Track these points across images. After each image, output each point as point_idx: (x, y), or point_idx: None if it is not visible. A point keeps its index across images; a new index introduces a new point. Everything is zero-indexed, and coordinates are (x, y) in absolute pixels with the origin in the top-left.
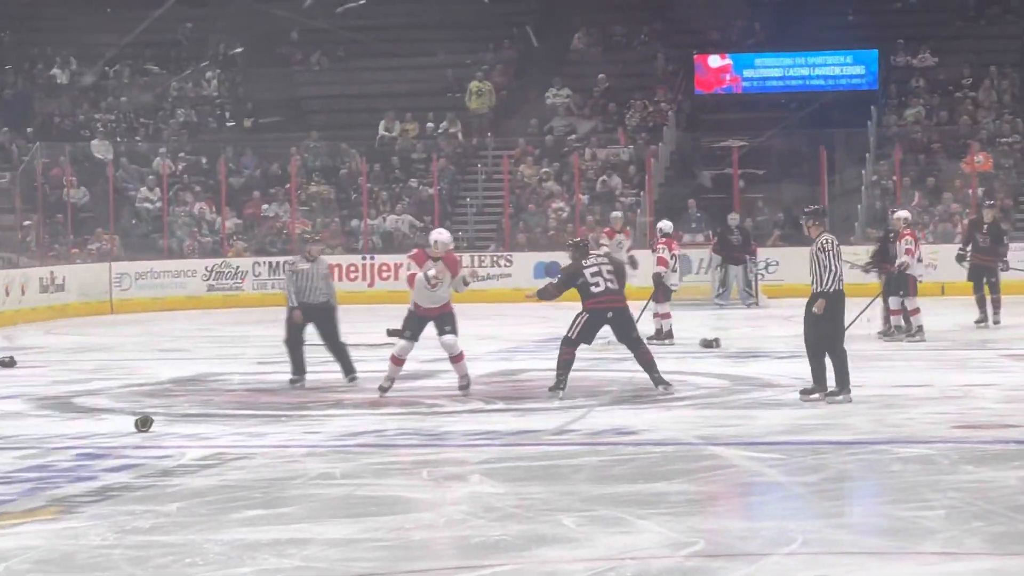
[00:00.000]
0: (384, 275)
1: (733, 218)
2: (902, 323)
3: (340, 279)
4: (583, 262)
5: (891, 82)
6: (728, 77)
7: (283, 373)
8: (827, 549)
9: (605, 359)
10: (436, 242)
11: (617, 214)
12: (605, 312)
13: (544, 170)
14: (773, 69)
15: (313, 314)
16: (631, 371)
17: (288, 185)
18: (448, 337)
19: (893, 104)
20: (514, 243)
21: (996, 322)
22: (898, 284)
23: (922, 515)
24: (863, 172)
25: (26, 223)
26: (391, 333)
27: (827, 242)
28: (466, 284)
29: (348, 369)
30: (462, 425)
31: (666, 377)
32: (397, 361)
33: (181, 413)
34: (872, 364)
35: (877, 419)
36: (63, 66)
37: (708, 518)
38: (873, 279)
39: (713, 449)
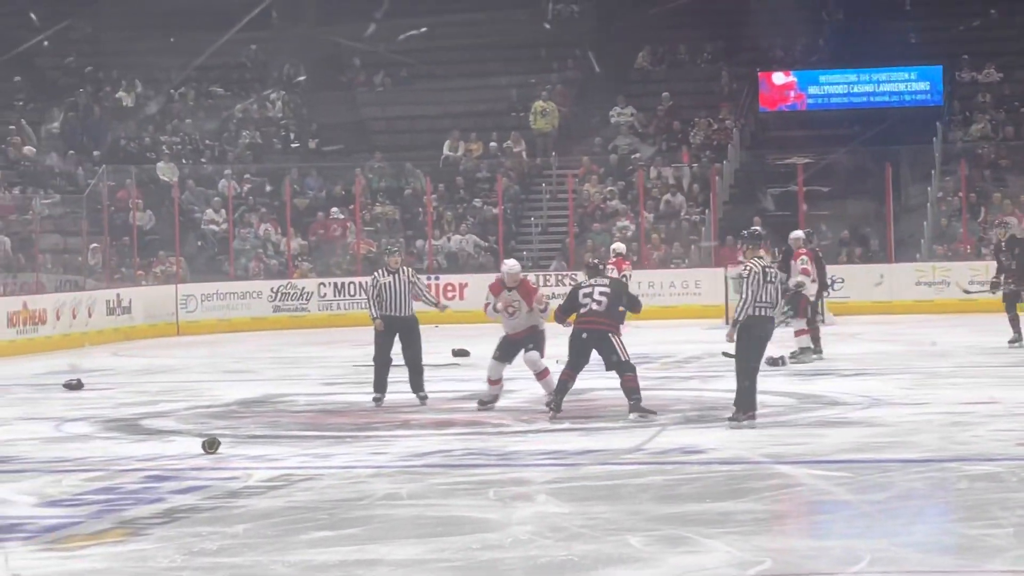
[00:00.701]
0: (449, 295)
1: (798, 236)
2: (810, 344)
3: None
4: (581, 283)
5: (956, 98)
6: (792, 94)
7: (349, 394)
8: (895, 568)
9: (670, 378)
10: (505, 274)
11: (799, 233)
12: (580, 332)
13: (609, 189)
14: (838, 86)
15: (398, 326)
16: (698, 389)
17: (352, 206)
18: (529, 354)
19: (958, 120)
20: (579, 262)
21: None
22: (789, 303)
23: (990, 533)
24: (928, 189)
25: (93, 246)
26: (456, 353)
27: (747, 270)
28: (543, 312)
29: (418, 387)
30: (528, 445)
31: (732, 397)
32: (491, 381)
33: (248, 435)
34: (939, 381)
35: (944, 436)
36: (129, 90)
37: (775, 537)
38: None
39: (780, 468)
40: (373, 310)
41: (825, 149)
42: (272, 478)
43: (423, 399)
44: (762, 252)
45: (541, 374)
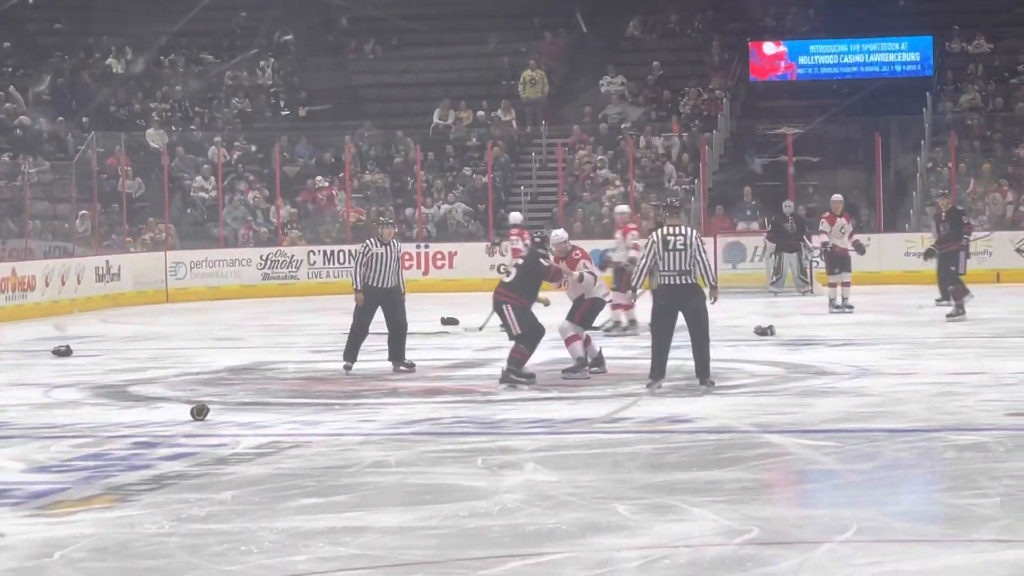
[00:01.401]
0: (439, 263)
1: (788, 206)
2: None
3: None
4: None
5: (946, 68)
6: (783, 64)
7: (338, 362)
8: (881, 537)
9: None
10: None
11: (838, 197)
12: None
13: (600, 158)
14: (828, 56)
15: (383, 298)
16: (686, 359)
17: (342, 174)
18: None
19: (948, 91)
20: (568, 230)
21: (951, 314)
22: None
23: (977, 503)
24: (918, 159)
25: (82, 212)
26: (445, 321)
27: (649, 239)
28: (582, 281)
29: (398, 357)
30: (516, 413)
31: (720, 366)
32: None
33: (236, 402)
34: (927, 351)
35: (932, 406)
36: (118, 56)
37: (762, 506)
38: None
39: (767, 437)
40: (357, 280)
41: (815, 119)
42: (260, 445)
43: (409, 367)
44: (678, 220)
45: (566, 341)
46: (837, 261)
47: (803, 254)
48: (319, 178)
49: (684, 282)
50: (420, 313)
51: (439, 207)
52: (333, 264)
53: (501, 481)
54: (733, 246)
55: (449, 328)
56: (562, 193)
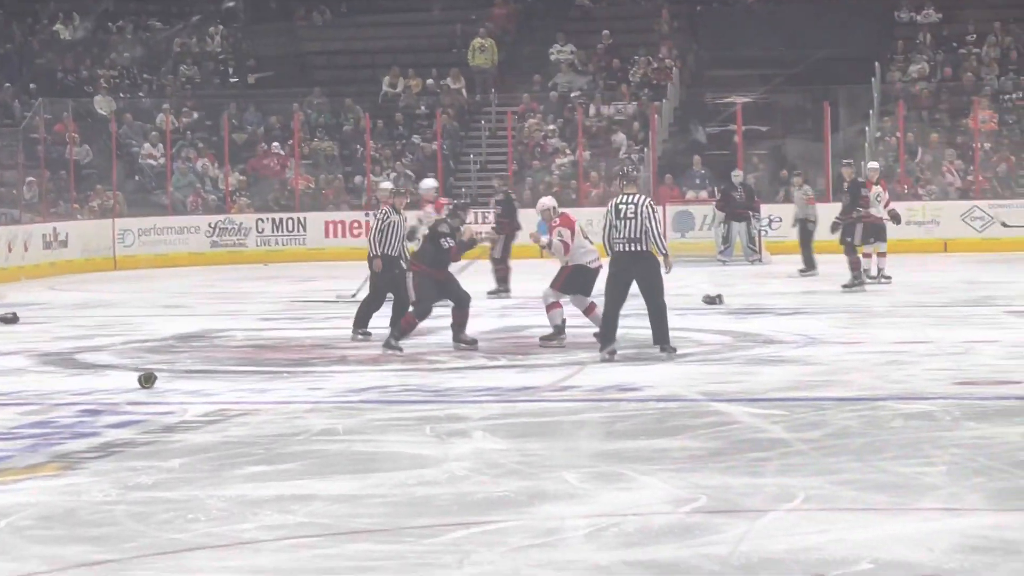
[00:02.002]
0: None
1: (736, 174)
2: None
3: (343, 236)
4: None
5: (895, 38)
6: (732, 33)
7: (286, 329)
8: (829, 505)
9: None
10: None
11: (874, 165)
12: None
13: (550, 127)
14: (778, 25)
15: (394, 267)
16: (634, 327)
17: (291, 141)
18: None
19: (897, 61)
20: (519, 199)
21: (847, 285)
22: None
23: (923, 471)
24: (866, 129)
25: (28, 179)
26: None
27: (610, 206)
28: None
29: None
30: (465, 381)
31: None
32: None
33: (184, 369)
34: (874, 320)
35: (879, 375)
36: (65, 22)
37: (710, 474)
38: None
39: (716, 405)
40: (375, 247)
41: (764, 89)
42: (208, 413)
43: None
44: (634, 189)
45: (547, 307)
46: (872, 231)
47: (751, 223)
48: (275, 144)
49: (635, 249)
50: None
51: (388, 175)
52: (282, 232)
53: (450, 449)
54: (682, 215)
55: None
56: (511, 161)
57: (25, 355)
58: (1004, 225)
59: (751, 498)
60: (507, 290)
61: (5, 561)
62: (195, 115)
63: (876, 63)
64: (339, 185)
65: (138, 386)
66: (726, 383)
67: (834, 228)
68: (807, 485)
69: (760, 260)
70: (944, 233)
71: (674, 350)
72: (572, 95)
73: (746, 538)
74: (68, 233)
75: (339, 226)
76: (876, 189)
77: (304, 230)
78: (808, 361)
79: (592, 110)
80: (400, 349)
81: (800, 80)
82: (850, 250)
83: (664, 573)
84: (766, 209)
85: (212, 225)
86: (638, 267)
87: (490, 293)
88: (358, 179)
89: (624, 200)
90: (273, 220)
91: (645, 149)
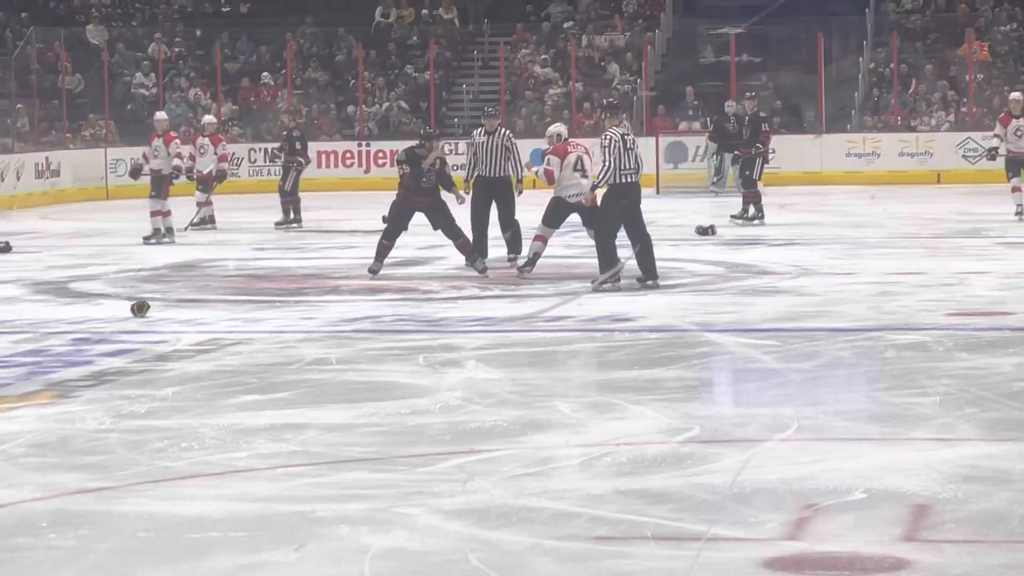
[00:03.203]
0: (380, 162)
1: (729, 106)
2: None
3: (336, 166)
4: None
5: None
6: None
7: (279, 259)
8: (821, 435)
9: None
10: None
11: (1016, 96)
12: None
13: (542, 56)
14: None
15: (493, 188)
16: (627, 257)
17: (284, 71)
18: None
19: None
20: (511, 129)
21: (747, 216)
22: None
23: (916, 402)
24: (860, 60)
25: (18, 106)
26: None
27: (606, 138)
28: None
29: (514, 249)
30: (458, 311)
31: (662, 265)
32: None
33: (177, 298)
34: (868, 251)
35: (872, 306)
36: None
37: (703, 404)
38: None
39: (708, 336)
40: (469, 171)
41: (758, 19)
42: (201, 342)
43: (513, 260)
44: (622, 120)
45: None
46: (1012, 165)
47: None
48: (265, 74)
49: (635, 180)
50: (361, 211)
51: (381, 105)
52: (274, 162)
53: (442, 379)
54: (675, 146)
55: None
56: (504, 92)
57: (18, 284)
58: (991, 157)
59: (744, 428)
60: (298, 221)
61: (0, 488)
62: (188, 45)
63: None
64: (332, 115)
65: (131, 315)
66: (719, 314)
67: (734, 161)
68: (800, 415)
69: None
70: (937, 164)
71: (657, 283)
72: (565, 25)
73: (739, 468)
74: (60, 162)
75: (331, 156)
76: (1016, 123)
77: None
78: (801, 292)
79: (585, 41)
80: (374, 272)
81: (794, 11)
82: (749, 183)
83: (657, 502)
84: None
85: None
86: (634, 196)
87: (277, 224)
88: (351, 109)
89: (627, 132)
90: (265, 150)
91: (638, 80)
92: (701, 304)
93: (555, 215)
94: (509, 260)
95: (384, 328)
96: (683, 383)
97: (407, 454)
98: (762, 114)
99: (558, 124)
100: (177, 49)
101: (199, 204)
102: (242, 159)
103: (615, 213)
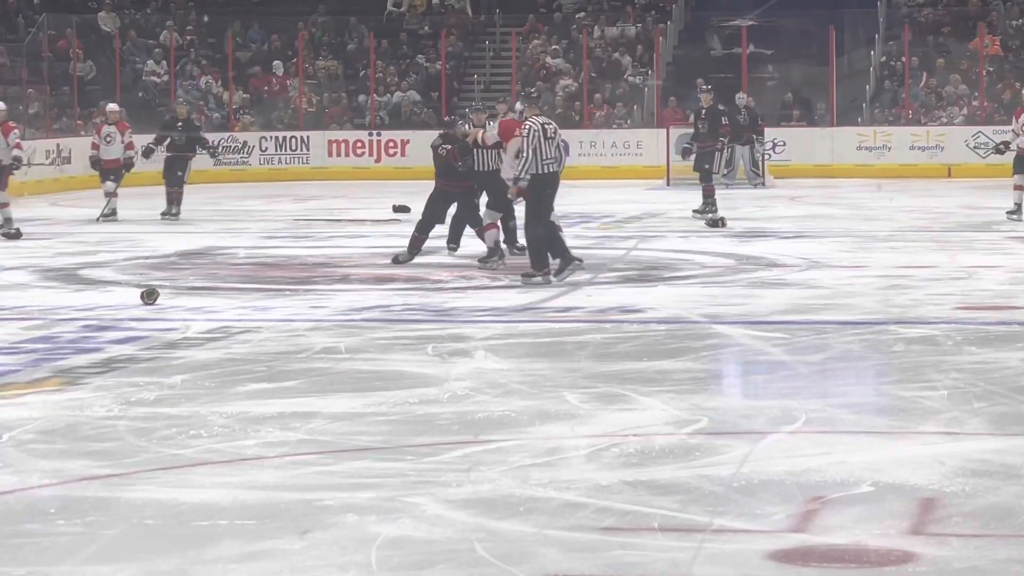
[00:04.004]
0: (391, 151)
1: (740, 98)
2: None
3: (347, 155)
4: None
5: None
6: None
7: (289, 247)
8: (829, 428)
9: (610, 237)
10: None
11: None
12: None
13: (553, 47)
14: None
15: (485, 181)
16: (637, 249)
17: (295, 60)
18: None
19: None
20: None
21: (698, 211)
22: None
23: (924, 395)
24: (872, 53)
25: (29, 91)
26: (397, 209)
27: (526, 128)
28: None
29: (511, 240)
30: (467, 301)
31: (671, 257)
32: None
33: (187, 286)
34: (877, 245)
35: (881, 299)
36: None
37: (711, 396)
38: None
39: (717, 328)
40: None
41: (769, 11)
42: (210, 330)
43: (521, 251)
44: (538, 111)
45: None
46: (1019, 162)
47: (755, 147)
48: (276, 62)
49: (557, 169)
50: (371, 200)
51: (392, 95)
52: (285, 151)
53: (451, 368)
54: (685, 137)
55: (400, 216)
56: (515, 83)
57: (28, 270)
58: (1001, 151)
59: (752, 420)
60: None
61: (8, 474)
62: (200, 32)
63: None
64: (343, 104)
65: (141, 302)
66: (728, 306)
67: (685, 154)
68: (808, 408)
69: (763, 183)
70: (948, 158)
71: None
72: (577, 16)
73: (747, 460)
74: (71, 149)
75: (342, 145)
76: None
77: (307, 149)
78: (810, 284)
79: (596, 31)
80: (397, 260)
81: (805, 3)
82: (706, 177)
83: (664, 494)
84: (769, 133)
85: (215, 143)
86: (557, 186)
87: (163, 214)
88: (362, 98)
89: (547, 122)
90: (277, 139)
91: (649, 71)
92: (710, 296)
93: (500, 199)
94: (517, 250)
95: (393, 317)
96: (691, 375)
97: (415, 443)
98: (720, 107)
99: (519, 102)
100: (189, 37)
101: (108, 195)
102: (253, 147)
103: (545, 203)
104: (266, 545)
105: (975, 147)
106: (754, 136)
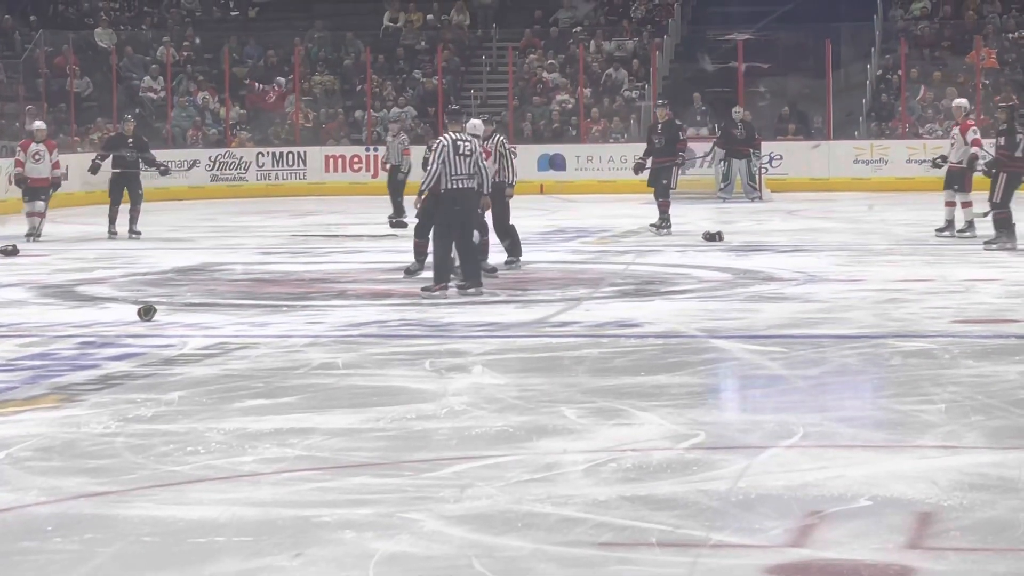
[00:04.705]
0: (388, 166)
1: (737, 111)
2: None
3: (344, 170)
4: None
5: None
6: None
7: (286, 263)
8: (827, 442)
9: (607, 252)
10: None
11: (961, 102)
12: None
13: (549, 62)
14: None
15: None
16: (634, 263)
17: (292, 76)
18: None
19: None
20: (518, 135)
21: (656, 225)
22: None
23: (922, 409)
24: (868, 67)
25: (28, 107)
26: (394, 224)
27: (436, 143)
28: None
29: (514, 253)
30: (464, 316)
31: (668, 271)
32: None
33: (184, 302)
34: (874, 258)
35: (878, 313)
36: None
37: (709, 411)
38: None
39: (715, 342)
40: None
41: (766, 25)
42: (208, 346)
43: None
44: (459, 127)
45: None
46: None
47: (752, 161)
48: (279, 78)
49: (468, 186)
50: (369, 215)
51: (389, 110)
52: (282, 166)
53: (448, 384)
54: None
55: (398, 231)
56: (512, 97)
57: (25, 287)
58: (936, 166)
59: (750, 435)
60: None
61: (5, 492)
62: (197, 48)
63: (878, 0)
64: (340, 120)
65: (138, 319)
66: (725, 320)
67: (637, 169)
68: (806, 422)
69: (760, 197)
70: (942, 171)
71: (479, 291)
72: (574, 30)
73: (744, 474)
74: (68, 166)
75: (339, 160)
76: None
77: (304, 164)
78: (808, 298)
79: (593, 46)
80: (409, 272)
81: (802, 17)
82: (663, 192)
83: (662, 509)
84: (766, 147)
85: (212, 159)
86: (469, 202)
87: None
88: (359, 114)
89: (462, 138)
90: (273, 154)
91: (646, 86)
92: (707, 310)
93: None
94: (507, 264)
95: (390, 333)
96: (689, 389)
97: (412, 459)
98: (678, 122)
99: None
100: (185, 53)
101: (36, 215)
102: (250, 163)
103: (449, 219)
104: (264, 562)
105: (921, 161)
106: (751, 150)
